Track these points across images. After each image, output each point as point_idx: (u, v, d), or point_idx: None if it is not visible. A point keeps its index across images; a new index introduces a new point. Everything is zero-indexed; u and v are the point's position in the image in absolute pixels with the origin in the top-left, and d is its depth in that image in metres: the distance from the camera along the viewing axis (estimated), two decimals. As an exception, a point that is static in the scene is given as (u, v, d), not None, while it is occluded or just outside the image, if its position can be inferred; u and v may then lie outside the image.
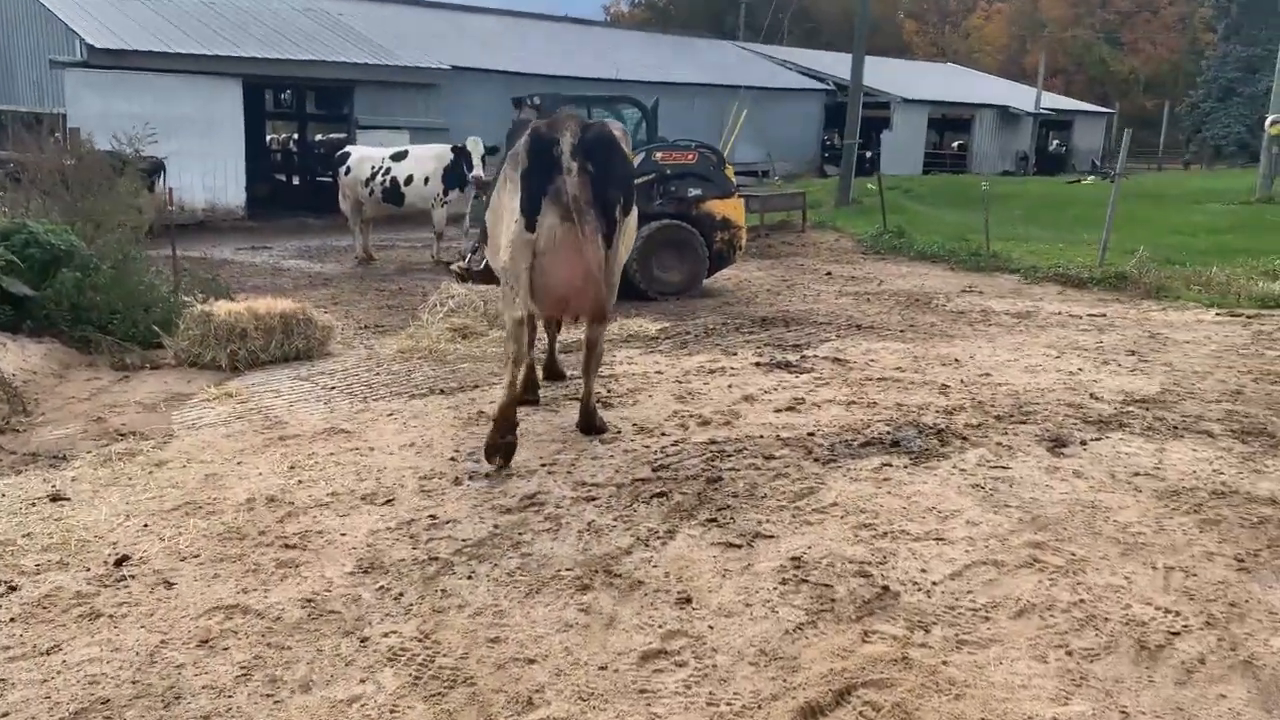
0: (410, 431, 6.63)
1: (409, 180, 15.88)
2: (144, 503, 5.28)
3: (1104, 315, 10.51)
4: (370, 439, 6.48)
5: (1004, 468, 5.58)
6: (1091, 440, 6.07)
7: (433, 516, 5.03)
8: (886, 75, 42.78)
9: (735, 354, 8.91)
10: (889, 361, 8.46)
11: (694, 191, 12.39)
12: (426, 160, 16.03)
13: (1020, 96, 48.47)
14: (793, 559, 4.38)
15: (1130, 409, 6.78)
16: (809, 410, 6.90)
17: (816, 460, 5.78)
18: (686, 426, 6.56)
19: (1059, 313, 10.71)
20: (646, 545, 4.58)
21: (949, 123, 47.13)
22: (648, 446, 6.14)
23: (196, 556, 4.56)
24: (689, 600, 4.02)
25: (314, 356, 9.11)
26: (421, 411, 7.18)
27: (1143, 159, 57.91)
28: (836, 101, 41.75)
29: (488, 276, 11.91)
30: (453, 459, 5.99)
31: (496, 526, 4.87)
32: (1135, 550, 4.47)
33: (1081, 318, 10.43)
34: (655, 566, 4.35)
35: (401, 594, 4.15)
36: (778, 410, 6.91)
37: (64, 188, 11.00)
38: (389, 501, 5.27)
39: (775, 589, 4.11)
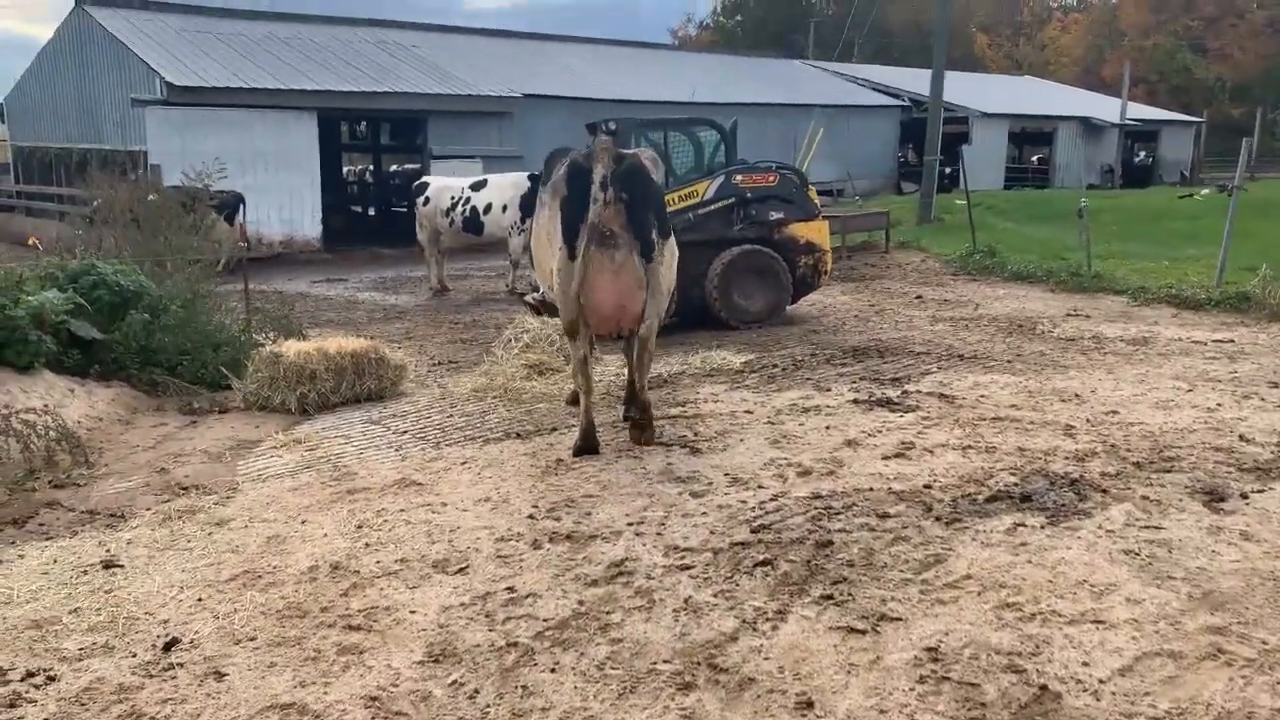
0: (485, 483, 6.14)
1: (488, 209, 15.61)
2: (200, 571, 4.86)
3: (1231, 341, 9.65)
4: (443, 492, 6.00)
5: (1157, 528, 4.88)
6: (1253, 493, 5.33)
7: (510, 589, 4.51)
8: (964, 89, 41.73)
9: (829, 389, 8.28)
10: (1001, 397, 7.76)
11: (776, 215, 11.81)
12: (505, 188, 15.75)
13: (1103, 107, 46.92)
14: (928, 649, 3.76)
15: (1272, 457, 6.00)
16: (920, 457, 6.25)
17: (938, 519, 5.14)
18: (785, 477, 5.97)
19: (1179, 339, 9.87)
20: (754, 629, 3.99)
21: (1028, 136, 45.83)
22: (744, 502, 5.56)
23: (252, 640, 4.10)
24: (810, 705, 3.43)
25: (386, 397, 8.73)
26: (497, 459, 6.70)
27: (1231, 167, 55.72)
28: (912, 117, 40.83)
29: (540, 305, 11.50)
30: (531, 516, 5.48)
31: (581, 603, 4.33)
32: (1338, 638, 3.76)
33: (1206, 344, 9.58)
34: (767, 658, 3.76)
35: (477, 691, 3.63)
36: (885, 457, 6.27)
37: (135, 226, 10.84)
38: (462, 570, 4.77)
39: (912, 689, 3.49)
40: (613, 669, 3.73)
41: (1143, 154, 49.62)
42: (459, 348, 11.34)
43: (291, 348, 8.65)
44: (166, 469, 6.69)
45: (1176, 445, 6.25)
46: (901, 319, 12.00)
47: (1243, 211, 25.17)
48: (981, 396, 7.80)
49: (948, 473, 5.90)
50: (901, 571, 4.49)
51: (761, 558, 4.70)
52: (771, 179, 11.83)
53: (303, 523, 5.53)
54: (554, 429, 7.48)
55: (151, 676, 3.82)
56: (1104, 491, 5.43)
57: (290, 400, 8.23)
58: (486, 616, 4.24)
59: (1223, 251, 12.31)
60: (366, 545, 5.14)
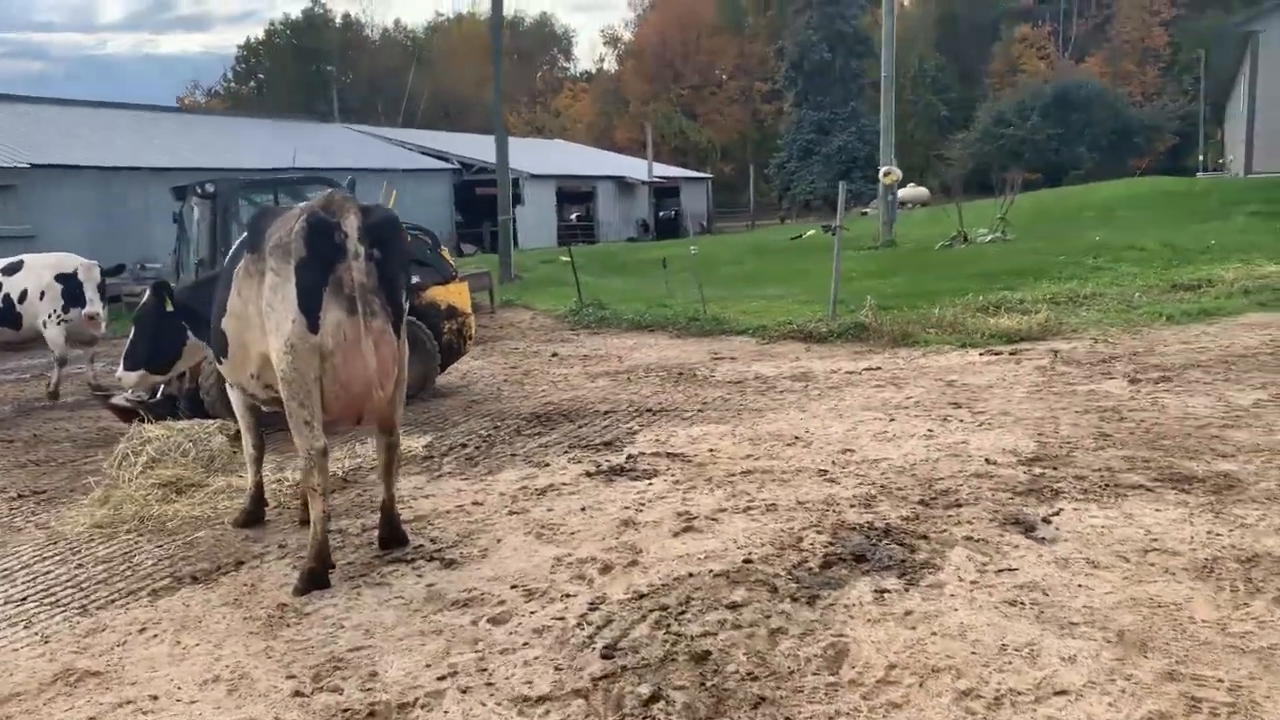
0: (196, 656, 4.55)
1: (23, 297, 12.70)
2: None
3: (879, 368, 10.21)
4: (141, 679, 4.35)
5: (1011, 569, 4.66)
6: (1051, 516, 5.34)
7: (342, 813, 3.18)
8: (512, 152, 42.81)
9: (548, 464, 7.45)
10: (727, 449, 7.41)
11: (413, 279, 10.73)
12: (43, 271, 12.90)
13: (634, 167, 50.67)
14: (937, 773, 3.10)
15: (1037, 471, 6.19)
16: (710, 528, 5.63)
17: (794, 600, 4.53)
18: (586, 577, 5.05)
19: (833, 371, 10.28)
20: (720, 796, 3.08)
21: (570, 195, 48.11)
22: (561, 619, 4.57)
23: None
24: None
25: (-36, 554, 6.51)
26: (189, 617, 5.07)
27: (735, 218, 62.81)
28: (463, 180, 41.19)
29: (164, 408, 9.58)
30: (298, 693, 4.07)
31: (461, 811, 3.13)
32: (1271, 661, 3.66)
33: (860, 373, 10.05)
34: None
35: None
36: (675, 534, 5.58)
37: None
38: (248, 798, 3.33)
39: (970, 835, 2.80)
40: None
41: (668, 209, 54.20)
42: (33, 473, 8.95)
43: None
44: None
45: (938, 478, 6.23)
46: (556, 378, 11.44)
47: (778, 253, 27.93)
48: (710, 450, 7.41)
49: (753, 542, 5.34)
50: (815, 674, 3.80)
51: (646, 692, 3.77)
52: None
53: (-66, 775, 3.67)
54: (239, 563, 5.91)
55: None
56: (924, 538, 5.16)
57: None
58: None
59: (833, 286, 13.21)
60: (66, 791, 3.46)
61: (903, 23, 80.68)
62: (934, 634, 4.05)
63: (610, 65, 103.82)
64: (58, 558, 6.31)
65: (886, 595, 4.48)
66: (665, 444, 7.72)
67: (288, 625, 4.84)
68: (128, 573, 5.92)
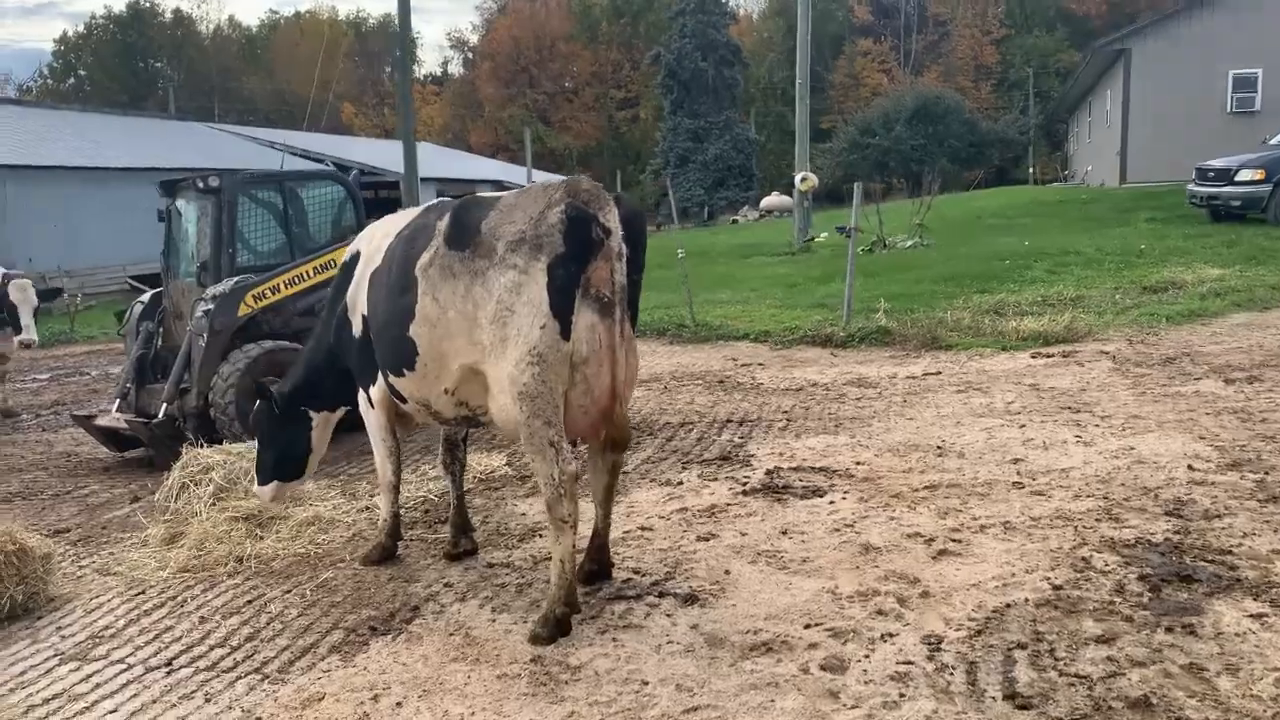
0: (485, 730, 3.75)
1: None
2: None
3: (938, 373, 9.89)
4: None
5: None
6: (1332, 526, 5.09)
7: None
8: (388, 155, 41.33)
9: (680, 482, 6.80)
10: (873, 462, 6.92)
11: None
12: None
13: (512, 172, 49.67)
14: None
15: (1254, 477, 5.89)
16: (966, 551, 5.12)
17: (1166, 630, 4.07)
18: (886, 612, 4.46)
19: (891, 377, 9.90)
20: None
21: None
22: (909, 662, 3.98)
23: None
24: None
25: (36, 609, 5.44)
26: (419, 679, 4.26)
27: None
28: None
29: (164, 429, 8.45)
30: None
31: None
32: None
33: (921, 378, 9.72)
34: None
35: None
36: (934, 558, 5.05)
37: None
38: None
39: None
40: None
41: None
42: (33, 509, 7.77)
43: None
44: None
45: (1154, 487, 5.89)
46: (581, 389, 10.67)
47: (689, 257, 27.49)
48: (856, 464, 6.89)
49: (1035, 565, 4.86)
50: (1306, 718, 3.36)
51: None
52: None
53: None
54: (413, 608, 5.08)
55: None
56: (1228, 553, 4.80)
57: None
58: None
59: (847, 290, 12.87)
60: None
61: (757, 35, 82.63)
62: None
63: (456, 69, 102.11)
64: (167, 611, 5.30)
65: (1267, 619, 4.09)
66: (793, 458, 7.17)
67: (564, 684, 4.08)
68: (277, 625, 4.99)
